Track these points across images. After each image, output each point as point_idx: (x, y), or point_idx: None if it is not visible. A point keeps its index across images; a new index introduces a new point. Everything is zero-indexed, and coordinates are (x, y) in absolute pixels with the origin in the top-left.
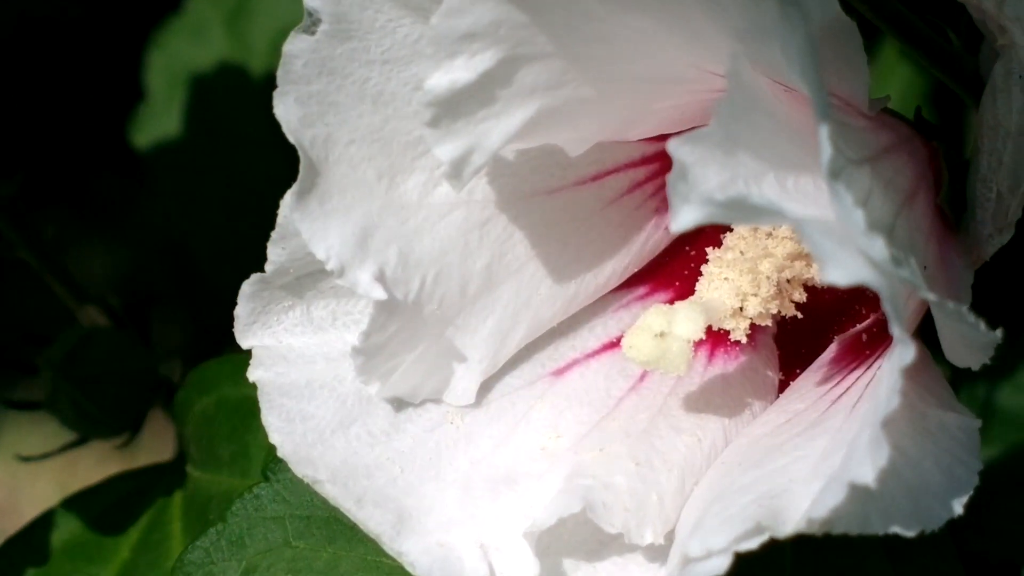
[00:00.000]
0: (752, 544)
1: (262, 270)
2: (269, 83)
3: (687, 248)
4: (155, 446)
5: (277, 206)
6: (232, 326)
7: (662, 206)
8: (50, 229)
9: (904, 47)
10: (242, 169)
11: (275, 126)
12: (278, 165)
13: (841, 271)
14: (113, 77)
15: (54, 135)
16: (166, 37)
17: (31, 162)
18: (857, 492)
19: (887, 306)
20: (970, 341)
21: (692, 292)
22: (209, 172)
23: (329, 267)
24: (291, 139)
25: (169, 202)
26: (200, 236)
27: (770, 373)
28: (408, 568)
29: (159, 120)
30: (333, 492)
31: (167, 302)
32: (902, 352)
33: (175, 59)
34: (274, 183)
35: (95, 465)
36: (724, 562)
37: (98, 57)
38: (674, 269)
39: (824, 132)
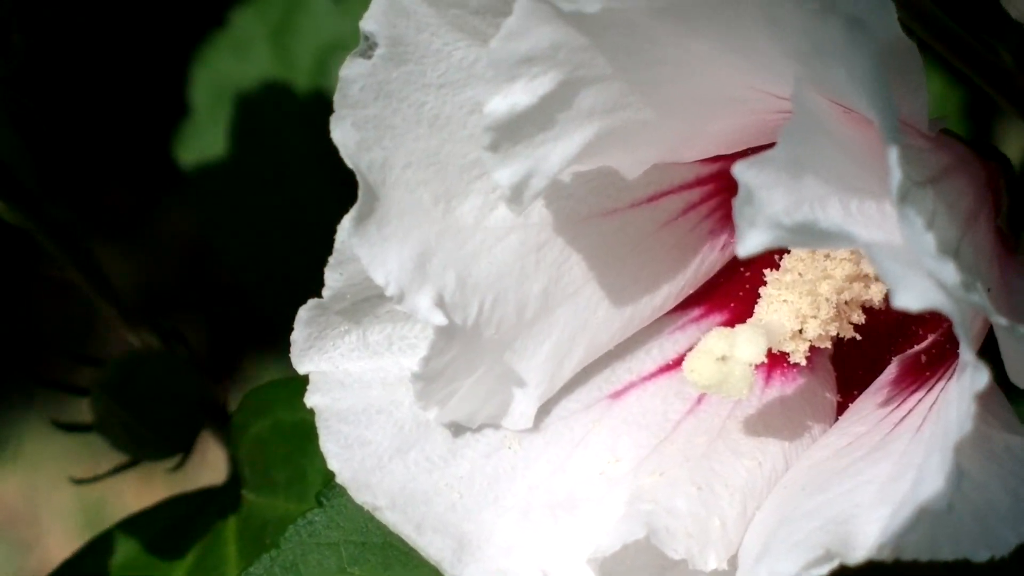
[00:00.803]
0: (822, 571)
1: (306, 287)
2: (313, 100)
3: (742, 270)
4: (201, 470)
5: (320, 224)
6: (275, 343)
7: (717, 227)
8: (94, 247)
9: (957, 65)
10: (285, 186)
11: (319, 143)
12: (322, 182)
13: (912, 296)
14: (159, 94)
15: (102, 155)
16: (210, 53)
17: (79, 183)
18: (928, 517)
19: (959, 331)
20: None
21: (748, 313)
22: (253, 189)
23: (388, 293)
24: (349, 163)
25: (212, 218)
26: (242, 253)
27: (828, 395)
28: None
29: (204, 136)
30: (392, 518)
31: (206, 320)
32: (975, 377)
33: (219, 75)
34: (318, 201)
35: (140, 491)
36: None
37: (143, 74)
38: (729, 291)
39: (893, 156)
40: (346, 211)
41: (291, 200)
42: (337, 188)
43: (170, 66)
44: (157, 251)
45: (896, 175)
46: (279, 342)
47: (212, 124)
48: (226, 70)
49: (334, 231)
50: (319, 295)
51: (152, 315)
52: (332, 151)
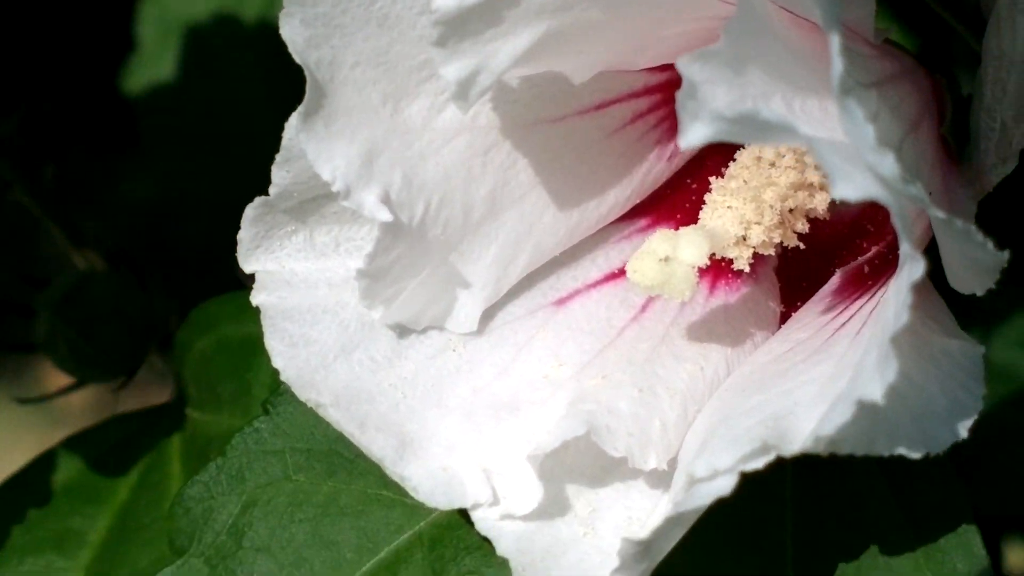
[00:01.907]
0: (758, 463)
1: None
2: (262, 31)
3: (689, 181)
4: (150, 390)
5: (267, 153)
6: (220, 279)
7: (664, 137)
8: (49, 170)
9: None
10: (236, 115)
11: (269, 73)
12: (272, 112)
13: (852, 186)
14: (106, 29)
15: (48, 85)
16: None
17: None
18: (864, 411)
19: (896, 221)
20: (977, 263)
21: (694, 223)
22: (200, 117)
23: (335, 188)
24: (297, 59)
25: (160, 150)
26: (190, 184)
27: (772, 304)
28: (411, 492)
29: (150, 69)
30: (336, 416)
31: (154, 257)
32: (912, 267)
33: (167, 9)
34: (267, 129)
35: (89, 412)
36: (730, 482)
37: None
38: (676, 201)
39: (835, 44)
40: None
41: (239, 127)
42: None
43: (117, 6)
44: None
45: (837, 65)
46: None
47: (159, 58)
48: (174, 6)
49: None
50: None
51: (105, 242)
52: (280, 80)
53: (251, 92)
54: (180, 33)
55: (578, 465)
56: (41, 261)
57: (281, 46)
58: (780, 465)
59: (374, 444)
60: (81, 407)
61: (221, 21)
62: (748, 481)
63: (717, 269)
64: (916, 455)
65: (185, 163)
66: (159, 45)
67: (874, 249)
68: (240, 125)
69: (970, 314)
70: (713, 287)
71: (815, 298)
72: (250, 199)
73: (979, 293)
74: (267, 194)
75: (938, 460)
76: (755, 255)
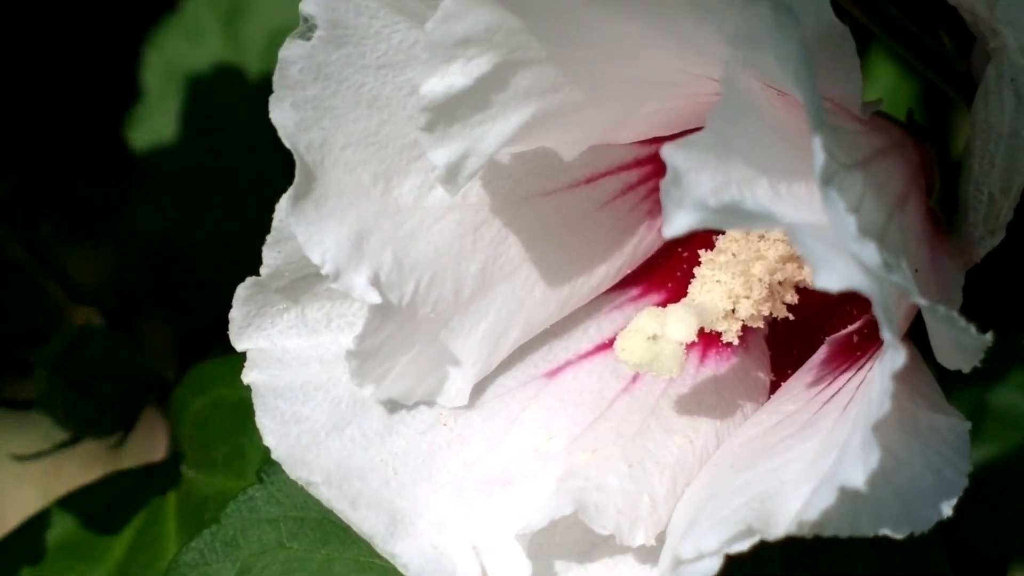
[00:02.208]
0: (743, 546)
1: (256, 270)
2: (264, 83)
3: (680, 250)
4: (143, 448)
5: (270, 206)
6: (225, 327)
7: (655, 208)
8: (45, 228)
9: (897, 50)
10: (236, 169)
11: (270, 127)
12: (272, 165)
13: (833, 276)
14: (110, 78)
15: (49, 136)
16: (162, 37)
17: (25, 162)
18: (847, 495)
19: (878, 311)
20: (961, 345)
21: (685, 294)
22: (204, 172)
23: (324, 271)
24: (287, 144)
25: (163, 201)
26: (193, 235)
27: (761, 375)
28: (401, 570)
29: (155, 120)
30: (327, 494)
31: (158, 303)
32: (893, 357)
33: (171, 59)
34: (268, 183)
35: (81, 469)
36: (715, 564)
37: (95, 58)
38: (667, 271)
39: (818, 141)
40: None
41: (242, 182)
42: (289, 169)
43: (123, 52)
44: (123, 245)
45: (820, 159)
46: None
47: (163, 107)
48: (178, 54)
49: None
50: None
51: (129, 304)
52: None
53: (251, 143)
54: (182, 83)
55: (567, 541)
56: (39, 317)
57: None
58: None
59: (365, 522)
60: (80, 463)
61: (222, 71)
62: (736, 560)
63: (707, 340)
64: (900, 535)
65: (186, 213)
66: (162, 94)
67: (863, 318)
68: (240, 176)
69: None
70: (703, 358)
71: (803, 368)
72: (249, 249)
73: (965, 371)
74: (258, 273)
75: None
76: (744, 327)
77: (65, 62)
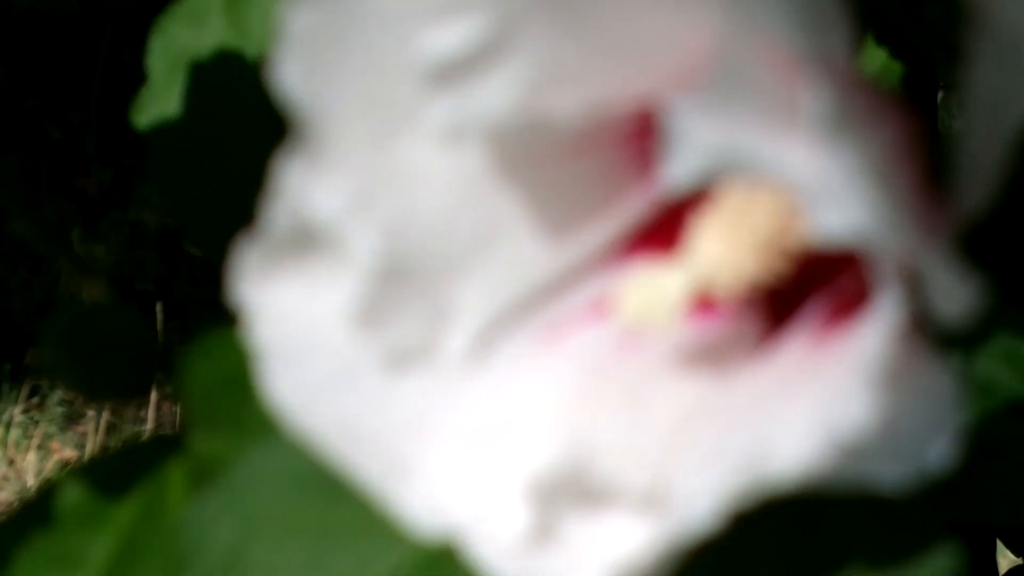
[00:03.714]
0: (739, 482)
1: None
2: (265, 68)
3: (675, 213)
4: (157, 421)
5: (267, 181)
6: (221, 301)
7: (652, 170)
8: (49, 208)
9: (874, 15)
10: (237, 149)
11: (268, 108)
12: (270, 146)
13: (836, 219)
14: (120, 64)
15: (60, 121)
16: (168, 23)
17: (32, 142)
18: (838, 445)
19: (881, 255)
20: (959, 300)
21: (682, 251)
22: (205, 152)
23: (323, 226)
24: (288, 94)
25: (165, 178)
26: (196, 212)
27: (756, 331)
28: (403, 518)
29: (159, 103)
30: (330, 445)
31: (161, 276)
32: (895, 301)
33: (176, 44)
34: (265, 162)
35: (99, 441)
36: (714, 504)
37: (109, 46)
38: (664, 230)
39: (815, 78)
40: None
41: (242, 162)
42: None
43: (134, 39)
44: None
45: (818, 98)
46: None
47: (168, 91)
48: (182, 39)
49: None
50: None
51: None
52: (282, 116)
53: (250, 124)
54: (185, 68)
55: (565, 491)
56: (48, 292)
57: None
58: None
59: (367, 471)
60: (92, 433)
61: (223, 56)
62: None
63: (700, 300)
64: (894, 481)
65: (190, 194)
66: (167, 78)
67: (858, 278)
68: (238, 155)
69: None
70: (699, 315)
71: (798, 327)
72: (245, 226)
73: (961, 325)
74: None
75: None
76: (741, 283)
77: (81, 50)
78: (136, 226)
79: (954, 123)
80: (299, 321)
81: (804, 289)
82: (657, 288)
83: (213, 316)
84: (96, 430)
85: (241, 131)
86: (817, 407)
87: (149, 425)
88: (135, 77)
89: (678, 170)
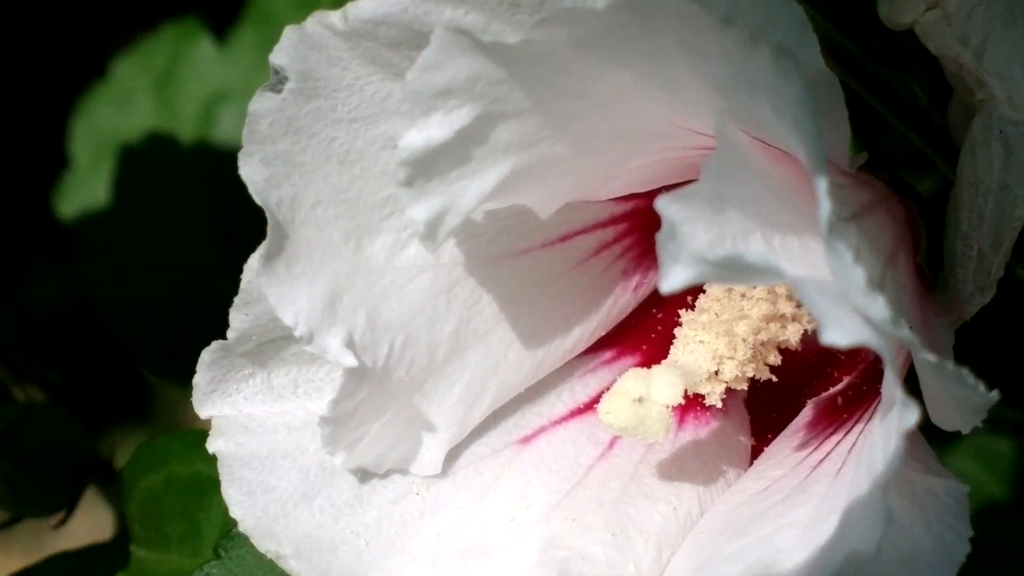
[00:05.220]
0: None
1: (189, 339)
2: (199, 151)
3: (655, 311)
4: (84, 528)
5: (204, 275)
6: (155, 396)
7: (630, 267)
8: None
9: (873, 103)
10: (170, 237)
11: (205, 194)
12: (208, 235)
13: (842, 331)
14: (38, 147)
15: None
16: (91, 104)
17: None
18: (854, 561)
19: (888, 367)
20: (965, 403)
21: (660, 356)
22: (137, 242)
23: (298, 333)
24: (258, 200)
25: (93, 273)
26: (125, 308)
27: (743, 439)
28: None
29: (84, 189)
30: (297, 567)
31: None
32: (904, 414)
33: (101, 127)
34: (203, 253)
35: (24, 551)
36: None
37: (21, 127)
38: (641, 333)
39: (822, 187)
40: (232, 264)
41: (176, 253)
42: (223, 241)
43: (50, 119)
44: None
45: (825, 207)
46: (156, 401)
47: (93, 177)
48: (108, 122)
49: (219, 284)
50: (199, 352)
51: (37, 370)
52: (219, 202)
53: (186, 212)
54: (114, 152)
55: None
56: None
57: (219, 165)
58: None
59: None
60: (23, 545)
61: (155, 140)
62: None
63: (687, 403)
64: None
65: (116, 283)
66: (92, 163)
67: (846, 379)
68: (173, 245)
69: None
70: (682, 422)
71: (787, 432)
72: (180, 320)
73: (964, 431)
74: (224, 337)
75: None
76: (726, 390)
77: None
78: (51, 317)
79: (953, 206)
80: (266, 432)
81: (792, 386)
82: (647, 398)
83: (142, 419)
84: (26, 537)
85: (175, 217)
86: (819, 521)
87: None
88: (54, 159)
89: (675, 279)
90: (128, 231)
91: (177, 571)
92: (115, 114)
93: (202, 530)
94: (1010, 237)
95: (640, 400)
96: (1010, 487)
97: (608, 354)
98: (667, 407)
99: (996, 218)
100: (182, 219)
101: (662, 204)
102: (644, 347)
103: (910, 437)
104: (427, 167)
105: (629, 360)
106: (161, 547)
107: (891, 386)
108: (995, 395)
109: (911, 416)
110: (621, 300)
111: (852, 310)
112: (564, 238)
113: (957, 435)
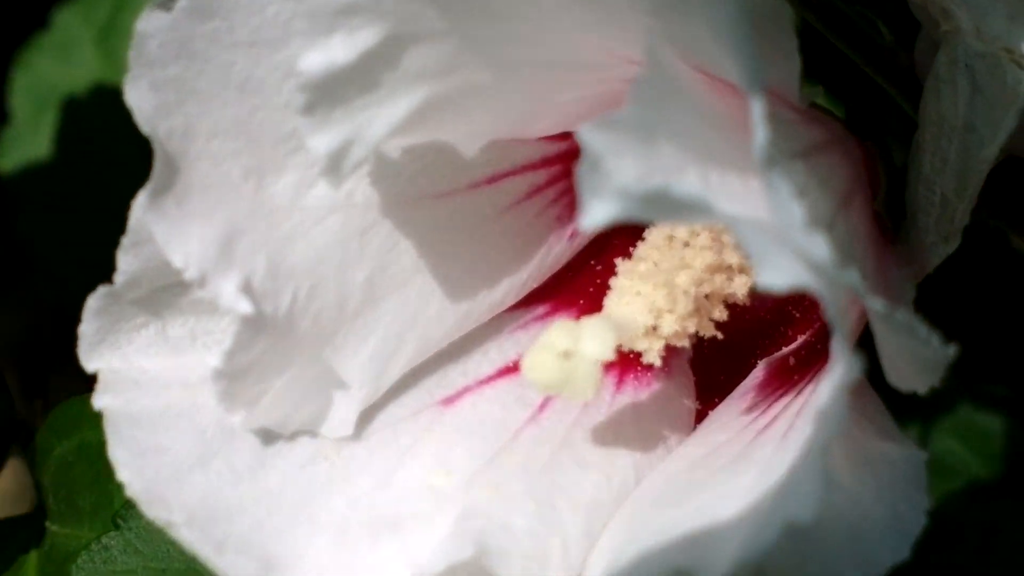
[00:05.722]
0: None
1: None
2: None
3: (593, 262)
4: (8, 501)
5: None
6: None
7: (565, 214)
8: None
9: (834, 41)
10: (113, 190)
11: (149, 146)
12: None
13: (779, 273)
14: None
15: None
16: (32, 56)
17: None
18: (793, 533)
19: (829, 312)
20: (919, 359)
21: (599, 311)
22: (79, 194)
23: (188, 276)
24: (145, 130)
25: (36, 226)
26: (67, 260)
27: (686, 402)
28: None
29: (26, 143)
30: (190, 536)
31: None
32: (847, 367)
33: (42, 79)
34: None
35: None
36: None
37: None
38: (579, 285)
39: (758, 110)
40: None
41: (120, 206)
42: None
43: None
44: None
45: (760, 133)
46: None
47: (35, 130)
48: (49, 74)
49: None
50: None
51: None
52: None
53: (129, 164)
54: (56, 105)
55: None
56: None
57: None
58: None
59: (233, 569)
60: None
61: (98, 92)
62: None
63: (624, 363)
64: None
65: (60, 242)
66: (33, 116)
67: (800, 338)
68: (117, 198)
69: (907, 405)
70: (620, 383)
71: (735, 394)
72: None
73: (921, 391)
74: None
75: None
76: (667, 347)
77: None
78: None
79: (915, 149)
80: (159, 388)
81: (742, 346)
82: (575, 352)
83: (73, 383)
84: None
85: (117, 169)
86: (761, 489)
87: None
88: None
89: (596, 215)
90: (71, 184)
91: (84, 549)
92: (57, 66)
93: (114, 501)
94: (975, 182)
95: (566, 354)
96: (997, 467)
97: (541, 309)
98: (597, 362)
99: (961, 161)
100: (126, 171)
101: (585, 132)
102: (581, 301)
103: (859, 395)
104: (329, 93)
105: (564, 315)
106: (73, 520)
107: (835, 335)
108: (951, 350)
109: (855, 368)
110: (555, 249)
111: (792, 251)
112: (491, 180)
113: (940, 412)
